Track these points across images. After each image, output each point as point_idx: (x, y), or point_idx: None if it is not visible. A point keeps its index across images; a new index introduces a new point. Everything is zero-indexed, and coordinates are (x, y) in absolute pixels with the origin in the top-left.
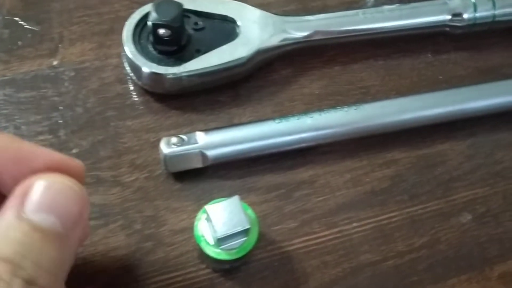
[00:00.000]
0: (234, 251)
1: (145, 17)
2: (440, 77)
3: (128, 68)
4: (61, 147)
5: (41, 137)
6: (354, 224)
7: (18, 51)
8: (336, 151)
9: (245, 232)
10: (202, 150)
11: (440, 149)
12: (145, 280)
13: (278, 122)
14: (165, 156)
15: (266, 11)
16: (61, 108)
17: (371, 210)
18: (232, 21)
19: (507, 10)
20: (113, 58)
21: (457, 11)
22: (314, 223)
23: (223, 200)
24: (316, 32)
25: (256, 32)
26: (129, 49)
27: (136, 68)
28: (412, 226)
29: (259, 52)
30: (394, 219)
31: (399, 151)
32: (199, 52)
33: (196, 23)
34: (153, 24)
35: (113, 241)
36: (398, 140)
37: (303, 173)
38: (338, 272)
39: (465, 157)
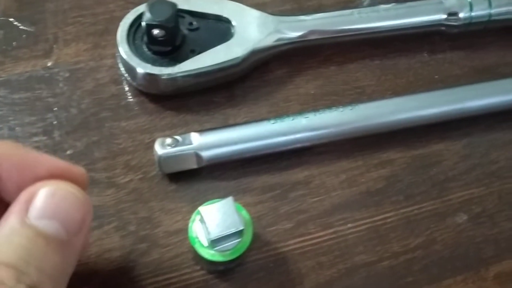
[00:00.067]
0: (228, 252)
1: (140, 17)
2: (436, 76)
3: (122, 69)
4: (55, 148)
5: (36, 139)
6: (349, 225)
7: (13, 52)
8: (331, 152)
9: (239, 233)
10: (197, 151)
11: (435, 149)
12: (139, 281)
13: (273, 123)
14: (160, 157)
15: (262, 11)
16: (56, 109)
17: (366, 211)
18: (227, 21)
19: (503, 9)
20: (108, 59)
21: (453, 10)
22: (309, 223)
23: (217, 202)
24: (311, 32)
25: (251, 32)
26: (123, 50)
27: (130, 69)
28: (408, 227)
29: (254, 52)
30: (389, 220)
31: (395, 151)
32: (193, 52)
33: (190, 23)
34: (147, 25)
35: (107, 242)
36: (393, 140)
37: (298, 174)
38: (333, 273)
39: (461, 157)
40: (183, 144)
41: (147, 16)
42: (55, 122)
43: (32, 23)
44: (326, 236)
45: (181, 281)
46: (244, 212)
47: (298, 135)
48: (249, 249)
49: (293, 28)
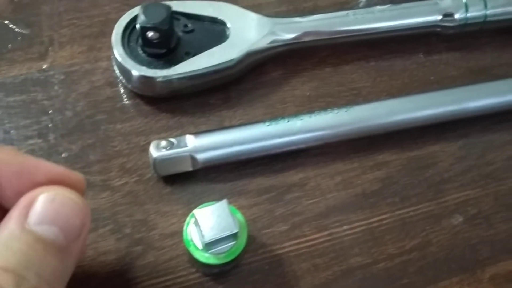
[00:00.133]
0: (223, 255)
1: (134, 19)
2: (432, 77)
3: (117, 71)
4: (50, 151)
5: (31, 141)
6: (345, 227)
7: (8, 55)
8: (326, 154)
9: (233, 236)
10: (192, 154)
11: (431, 151)
12: (135, 284)
13: (268, 125)
14: (155, 159)
15: (257, 12)
16: (51, 112)
17: (362, 213)
18: (222, 23)
19: (499, 10)
20: (103, 61)
21: (449, 11)
22: (305, 226)
23: (211, 204)
24: (306, 34)
25: (246, 34)
26: (118, 53)
27: (125, 71)
28: (403, 229)
29: (249, 54)
30: (385, 222)
31: (390, 153)
32: (189, 54)
33: (185, 25)
34: (142, 27)
35: (103, 245)
36: (389, 142)
37: (294, 176)
38: (328, 275)
39: (456, 159)
40: (178, 146)
41: (142, 18)
42: (50, 125)
43: (27, 25)
44: (322, 238)
45: (176, 284)
46: (239, 215)
47: (293, 137)
48: (244, 252)
49: (288, 30)
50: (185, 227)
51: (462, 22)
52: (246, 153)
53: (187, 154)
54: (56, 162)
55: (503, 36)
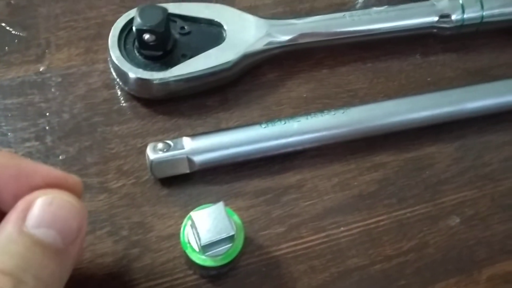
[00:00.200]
0: (219, 257)
1: (131, 22)
2: (429, 79)
3: (114, 74)
4: (47, 153)
5: (28, 144)
6: (342, 228)
7: (5, 57)
8: (323, 155)
9: (230, 238)
10: (189, 156)
11: (428, 152)
12: (132, 286)
13: (265, 127)
14: (152, 162)
15: (254, 14)
16: (48, 114)
17: (359, 214)
18: (218, 25)
19: (495, 11)
20: (100, 63)
21: (445, 12)
22: (302, 227)
23: (208, 207)
24: (302, 35)
25: (243, 36)
26: (115, 55)
27: (122, 74)
28: (400, 230)
29: (246, 56)
30: (382, 223)
31: (387, 154)
32: (185, 56)
33: (182, 28)
34: (138, 30)
35: (100, 247)
36: (386, 143)
37: (291, 178)
38: (325, 276)
39: (453, 160)
40: (175, 148)
41: (138, 21)
42: (47, 127)
43: (24, 28)
44: (319, 239)
45: (173, 286)
46: (236, 217)
47: (290, 139)
48: (241, 254)
49: (285, 32)
50: (182, 229)
51: (459, 23)
52: (243, 155)
53: (184, 156)
54: (54, 164)
55: (500, 37)
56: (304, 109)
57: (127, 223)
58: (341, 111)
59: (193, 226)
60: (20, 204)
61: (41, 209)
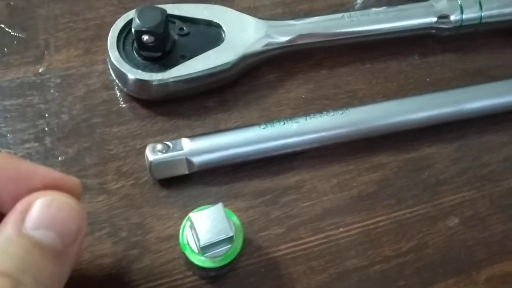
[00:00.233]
0: (218, 258)
1: (130, 23)
2: (428, 79)
3: (113, 75)
4: (47, 155)
5: (27, 145)
6: (341, 229)
7: (4, 58)
8: (322, 156)
9: (229, 239)
10: (188, 157)
11: (427, 153)
12: (131, 287)
13: (264, 128)
14: (151, 163)
15: (253, 15)
16: (47, 115)
17: (358, 215)
18: (217, 26)
19: (494, 12)
20: (99, 65)
21: (444, 13)
22: (301, 228)
23: (207, 208)
24: (301, 36)
25: (242, 37)
26: (114, 56)
27: (121, 75)
28: (399, 231)
29: (245, 57)
30: (381, 224)
31: (386, 155)
32: (184, 57)
33: (181, 29)
34: (136, 31)
35: (99, 249)
36: (385, 144)
37: (290, 179)
38: (324, 277)
39: (452, 160)
40: (174, 149)
41: (137, 22)
42: (46, 129)
43: (23, 29)
44: (318, 240)
45: (173, 287)
46: (235, 218)
47: (289, 140)
48: (240, 255)
49: (284, 33)
50: (181, 230)
51: (458, 24)
52: (242, 156)
53: (183, 157)
54: (53, 165)
55: (498, 38)
56: (303, 110)
57: (126, 224)
58: (340, 112)
59: (192, 227)
60: (19, 206)
61: (40, 211)
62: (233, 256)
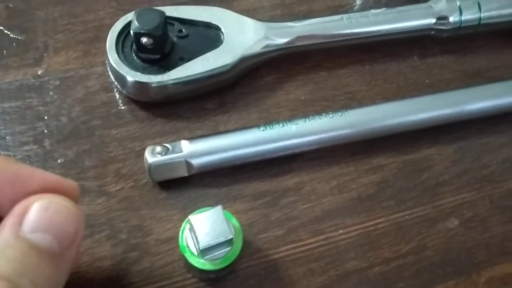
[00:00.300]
0: (218, 261)
1: (129, 25)
2: (427, 81)
3: (112, 77)
4: (46, 157)
5: (26, 147)
6: (341, 231)
7: (3, 61)
8: (322, 158)
9: (228, 242)
10: (187, 159)
11: (426, 154)
12: None
13: (263, 130)
14: (150, 165)
15: (252, 17)
16: (46, 117)
17: (358, 217)
18: (216, 28)
19: (493, 13)
20: (98, 67)
21: (443, 14)
22: (301, 230)
23: (206, 210)
24: (300, 38)
25: (240, 39)
26: (112, 58)
27: (120, 77)
28: (399, 232)
29: (244, 59)
30: (380, 226)
31: (385, 156)
32: (183, 60)
33: (180, 31)
34: (135, 33)
35: (98, 251)
36: (384, 145)
37: (289, 180)
38: (324, 279)
39: (452, 162)
40: (173, 152)
41: (135, 24)
42: (45, 131)
43: (22, 31)
44: (317, 242)
45: None
46: (234, 220)
47: (288, 142)
48: (240, 257)
49: (283, 35)
50: (180, 232)
51: (457, 25)
52: (241, 158)
53: (182, 159)
54: (52, 168)
55: (497, 39)
56: (302, 112)
57: (125, 226)
58: (339, 113)
59: (191, 229)
60: (17, 209)
61: (38, 214)
62: (232, 259)
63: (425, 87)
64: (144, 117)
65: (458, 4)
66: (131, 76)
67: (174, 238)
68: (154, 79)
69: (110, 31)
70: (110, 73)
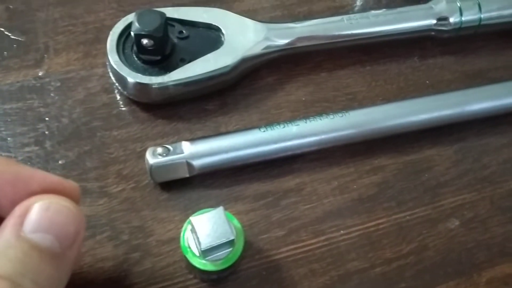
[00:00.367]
0: (219, 262)
1: (129, 26)
2: (427, 81)
3: (113, 78)
4: (47, 158)
5: (27, 149)
6: (342, 232)
7: (4, 62)
8: (322, 159)
9: (230, 243)
10: (188, 160)
11: (427, 155)
12: None
13: (264, 131)
14: (151, 166)
15: (252, 18)
16: (47, 119)
17: (359, 218)
18: (216, 29)
19: (493, 13)
20: (99, 68)
21: (443, 15)
22: (302, 231)
23: (208, 211)
24: (300, 39)
25: (241, 40)
26: (113, 60)
27: (121, 78)
28: (400, 233)
29: (244, 60)
30: (381, 226)
31: (386, 157)
32: (184, 61)
33: (180, 32)
34: (136, 35)
35: (100, 252)
36: (385, 146)
37: (290, 181)
38: (325, 280)
39: (452, 163)
40: (174, 153)
41: (136, 26)
42: (46, 132)
43: (23, 32)
44: (319, 243)
45: None
46: (235, 221)
47: (289, 143)
48: (241, 258)
49: (283, 36)
50: (182, 233)
51: (457, 26)
52: (242, 159)
53: (183, 160)
54: (53, 169)
55: (498, 40)
56: (303, 113)
57: (127, 227)
58: (340, 114)
59: (193, 230)
60: (18, 210)
61: (38, 214)
62: (234, 259)
63: (426, 88)
64: (145, 118)
65: (459, 5)
66: (132, 77)
67: (176, 239)
68: (154, 80)
69: (111, 33)
70: (111, 74)
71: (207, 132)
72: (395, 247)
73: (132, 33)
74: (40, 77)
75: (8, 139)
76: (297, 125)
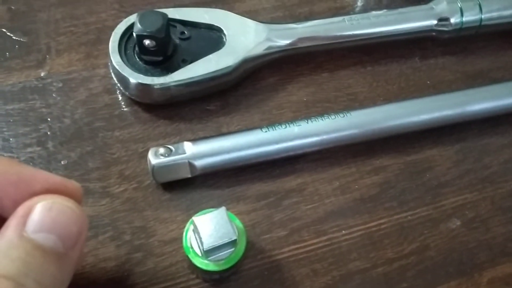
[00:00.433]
0: (222, 262)
1: (131, 27)
2: (428, 82)
3: (115, 78)
4: (49, 159)
5: (30, 149)
6: (343, 232)
7: (6, 63)
8: (324, 159)
9: (232, 243)
10: (190, 160)
11: (428, 155)
12: None
13: (265, 131)
14: (153, 166)
15: (253, 18)
16: (49, 119)
17: (360, 217)
18: (218, 30)
19: (494, 14)
20: (101, 68)
21: (444, 15)
22: (303, 231)
23: (210, 212)
24: (301, 40)
25: (242, 40)
26: (115, 60)
27: (123, 79)
28: (401, 233)
29: (246, 61)
30: (383, 226)
31: (388, 157)
32: (185, 61)
33: (182, 33)
34: (138, 35)
35: (102, 252)
36: (386, 146)
37: (292, 181)
38: (327, 280)
39: (453, 163)
40: (176, 153)
41: (138, 27)
42: (49, 133)
43: (25, 33)
44: (320, 243)
45: None
46: (237, 221)
47: (290, 143)
48: (243, 258)
49: (284, 36)
50: (184, 233)
51: (458, 27)
52: (244, 159)
53: (185, 160)
54: (56, 169)
55: (498, 40)
56: (304, 113)
57: (129, 227)
58: (341, 114)
59: (195, 231)
60: (20, 210)
61: (41, 214)
62: (236, 259)
63: (427, 88)
64: (147, 118)
65: (459, 6)
66: (134, 78)
67: (178, 239)
68: (156, 81)
69: (113, 33)
70: (112, 75)
71: (209, 132)
72: (397, 247)
73: (134, 34)
74: (42, 78)
75: (11, 139)
76: (299, 125)
